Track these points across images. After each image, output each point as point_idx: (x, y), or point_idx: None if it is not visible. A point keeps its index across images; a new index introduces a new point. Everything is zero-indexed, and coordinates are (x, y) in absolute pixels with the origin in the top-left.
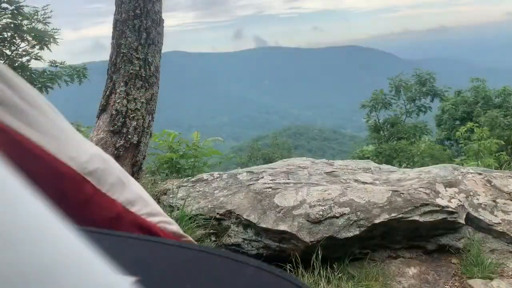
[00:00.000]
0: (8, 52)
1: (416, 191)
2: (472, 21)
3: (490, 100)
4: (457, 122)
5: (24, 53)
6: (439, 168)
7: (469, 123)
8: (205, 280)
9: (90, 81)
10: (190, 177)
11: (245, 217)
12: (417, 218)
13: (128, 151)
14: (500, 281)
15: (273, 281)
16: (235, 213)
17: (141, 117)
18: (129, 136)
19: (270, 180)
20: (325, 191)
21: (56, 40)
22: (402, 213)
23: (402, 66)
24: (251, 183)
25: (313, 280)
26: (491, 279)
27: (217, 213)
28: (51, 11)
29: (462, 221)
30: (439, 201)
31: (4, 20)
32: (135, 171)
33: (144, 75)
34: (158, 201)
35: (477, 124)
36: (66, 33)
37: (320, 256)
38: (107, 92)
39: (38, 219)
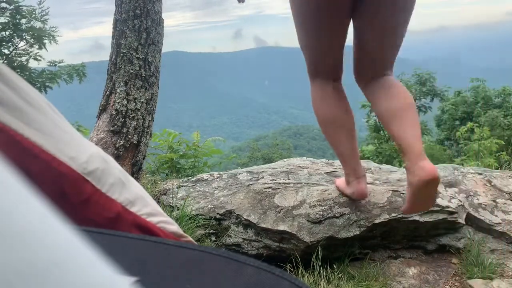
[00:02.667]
0: (6, 51)
1: None
2: (472, 21)
3: (490, 100)
4: (457, 122)
5: (23, 52)
6: (439, 168)
7: (469, 123)
8: (205, 280)
9: (89, 80)
10: (190, 177)
11: (245, 217)
12: (417, 218)
13: (128, 151)
14: (500, 281)
15: (273, 281)
16: (235, 213)
17: (141, 117)
18: (129, 136)
19: (270, 180)
20: (325, 191)
21: (55, 39)
22: (402, 213)
23: (402, 66)
24: (251, 183)
25: (313, 280)
26: (492, 279)
27: (217, 213)
28: (48, 8)
29: (462, 221)
30: (439, 201)
31: (3, 20)
32: (135, 171)
33: (144, 75)
34: (158, 201)
35: (477, 124)
36: (65, 33)
37: (320, 256)
38: (107, 92)
39: (38, 219)
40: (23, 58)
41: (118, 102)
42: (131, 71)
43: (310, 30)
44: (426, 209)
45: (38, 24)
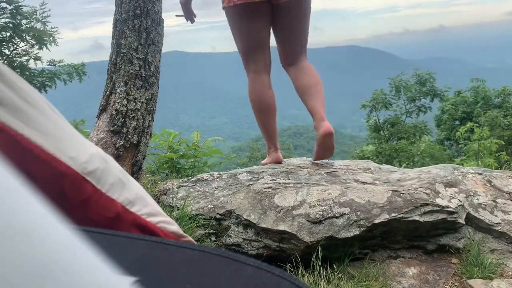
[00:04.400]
0: (7, 51)
1: (416, 191)
2: (472, 21)
3: (489, 100)
4: (457, 122)
5: (23, 52)
6: (439, 168)
7: (469, 123)
8: (205, 280)
9: (89, 80)
10: (190, 177)
11: (245, 217)
12: (417, 218)
13: (128, 151)
14: (500, 281)
15: (273, 281)
16: (235, 213)
17: (141, 117)
18: (129, 136)
19: (270, 180)
20: (325, 191)
21: (55, 40)
22: (402, 213)
23: (402, 66)
24: (251, 183)
25: (313, 280)
26: (491, 279)
27: (217, 213)
28: (49, 10)
29: (462, 221)
30: (439, 201)
31: (3, 20)
32: (135, 171)
33: (144, 75)
34: (158, 201)
35: (477, 124)
36: (65, 33)
37: (320, 256)
38: (107, 92)
39: (38, 219)
40: (24, 59)
41: (118, 102)
42: (131, 71)
43: (247, 31)
44: (328, 157)
45: (38, 25)
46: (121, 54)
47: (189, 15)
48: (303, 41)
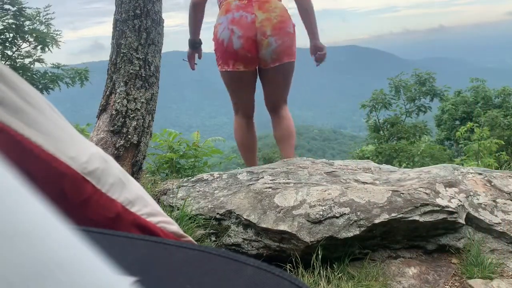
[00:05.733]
0: (9, 53)
1: (416, 191)
2: (472, 21)
3: (490, 100)
4: (457, 122)
5: (26, 54)
6: (439, 168)
7: (469, 123)
8: (205, 280)
9: (89, 80)
10: (190, 177)
11: (245, 217)
12: (417, 218)
13: (128, 151)
14: (500, 281)
15: (272, 281)
16: (235, 213)
17: (141, 117)
18: (129, 136)
19: (270, 180)
20: (325, 191)
21: (57, 43)
22: (402, 213)
23: (402, 66)
24: (251, 183)
25: (313, 280)
26: (491, 279)
27: (217, 213)
28: (53, 13)
29: (462, 221)
30: (439, 201)
31: (6, 21)
32: (135, 171)
33: (144, 75)
34: (158, 201)
35: (477, 124)
36: (65, 33)
37: (320, 256)
38: (107, 92)
39: (38, 219)
40: (26, 61)
41: (118, 102)
42: (131, 71)
43: (235, 90)
44: None
45: (42, 27)
46: (121, 54)
47: (191, 64)
48: (285, 94)
